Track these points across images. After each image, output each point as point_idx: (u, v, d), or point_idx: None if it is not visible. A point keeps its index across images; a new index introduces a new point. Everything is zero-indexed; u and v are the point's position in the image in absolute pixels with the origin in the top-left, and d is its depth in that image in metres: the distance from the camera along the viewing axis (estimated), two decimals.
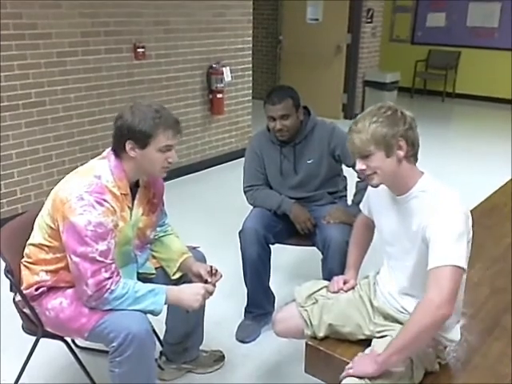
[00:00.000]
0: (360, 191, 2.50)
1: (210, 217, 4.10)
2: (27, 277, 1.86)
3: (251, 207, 2.69)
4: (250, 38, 5.41)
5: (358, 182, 2.57)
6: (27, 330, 1.98)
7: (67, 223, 1.68)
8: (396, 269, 1.78)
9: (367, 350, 1.69)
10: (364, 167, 1.62)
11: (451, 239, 1.51)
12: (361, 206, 2.00)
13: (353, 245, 2.05)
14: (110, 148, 1.85)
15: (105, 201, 1.72)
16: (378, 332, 1.76)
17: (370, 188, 1.86)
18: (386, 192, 1.72)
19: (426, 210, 1.57)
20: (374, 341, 1.75)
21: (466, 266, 1.52)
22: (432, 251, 1.53)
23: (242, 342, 2.62)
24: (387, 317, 1.78)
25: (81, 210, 1.67)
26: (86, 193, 1.69)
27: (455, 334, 1.75)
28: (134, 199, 1.88)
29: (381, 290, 1.84)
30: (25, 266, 1.88)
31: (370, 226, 1.95)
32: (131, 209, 1.86)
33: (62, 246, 1.75)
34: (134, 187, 1.89)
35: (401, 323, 1.70)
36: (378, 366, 1.53)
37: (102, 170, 1.79)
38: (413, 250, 1.64)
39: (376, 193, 1.80)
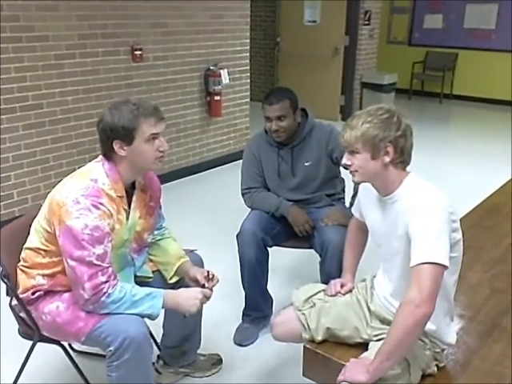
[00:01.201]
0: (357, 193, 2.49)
1: (208, 219, 4.09)
2: (23, 281, 1.85)
3: (249, 209, 2.69)
4: (248, 40, 5.41)
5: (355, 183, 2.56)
6: (23, 334, 1.97)
7: (63, 227, 1.67)
8: (388, 270, 1.78)
9: (364, 354, 1.68)
10: (349, 163, 1.65)
11: (430, 236, 1.50)
12: (352, 209, 2.01)
13: (348, 248, 2.06)
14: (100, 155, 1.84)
15: (101, 204, 1.71)
16: (376, 336, 1.76)
17: (359, 191, 1.89)
18: (373, 193, 1.73)
19: (408, 211, 1.57)
20: (372, 344, 1.74)
21: (446, 263, 1.50)
22: (412, 249, 1.53)
23: (240, 345, 2.61)
24: (384, 320, 1.77)
25: (77, 213, 1.66)
26: (82, 196, 1.68)
27: (451, 336, 1.74)
28: (130, 202, 1.87)
29: (377, 293, 1.84)
30: (21, 269, 1.86)
31: (363, 229, 1.94)
32: (127, 211, 1.85)
33: (59, 250, 1.74)
34: (130, 190, 1.88)
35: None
36: (370, 376, 1.51)
37: (98, 173, 1.78)
38: (400, 251, 1.64)
39: (365, 195, 1.81)
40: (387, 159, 1.59)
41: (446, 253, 1.50)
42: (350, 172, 1.68)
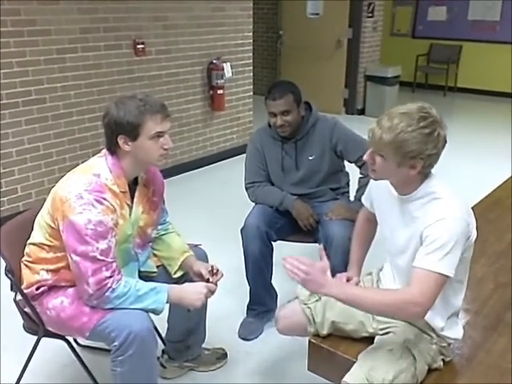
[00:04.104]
0: (362, 187, 2.48)
1: (212, 213, 4.09)
2: (28, 276, 1.85)
3: (253, 204, 2.68)
4: (251, 34, 5.38)
5: (360, 177, 2.55)
6: (28, 329, 1.97)
7: (67, 222, 1.67)
8: (396, 266, 1.77)
9: (369, 348, 1.68)
10: (371, 161, 1.57)
11: (447, 248, 1.48)
12: (363, 199, 1.98)
13: (355, 241, 2.03)
14: (104, 148, 1.83)
15: (104, 199, 1.70)
16: (381, 329, 1.75)
17: (371, 182, 1.84)
18: (388, 188, 1.69)
19: (427, 213, 1.54)
20: (377, 338, 1.74)
21: (452, 275, 1.50)
22: (424, 251, 1.51)
23: (245, 339, 2.61)
24: None
25: (80, 208, 1.66)
26: (85, 191, 1.68)
27: (458, 332, 1.74)
28: (133, 197, 1.87)
29: (383, 286, 1.83)
30: (25, 265, 1.87)
31: (372, 221, 1.93)
32: (130, 206, 1.85)
33: (63, 245, 1.73)
34: (133, 185, 1.88)
35: (404, 320, 1.68)
36: (326, 291, 1.54)
37: (101, 168, 1.77)
38: (408, 249, 1.63)
39: (378, 187, 1.77)
40: (412, 172, 1.53)
41: (455, 265, 1.51)
42: (370, 168, 1.61)
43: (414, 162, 1.50)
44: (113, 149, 1.79)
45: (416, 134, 1.46)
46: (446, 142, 1.53)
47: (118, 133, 1.74)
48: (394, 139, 1.47)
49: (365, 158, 1.61)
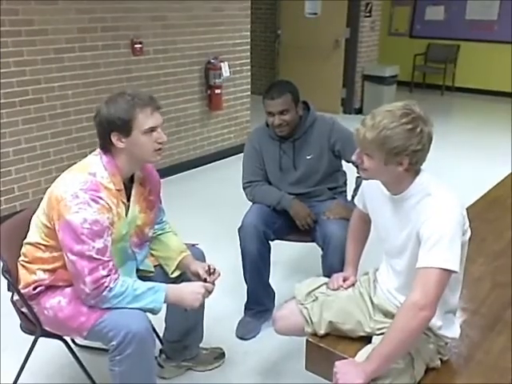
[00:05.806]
0: (360, 186, 2.48)
1: (210, 213, 4.08)
2: (25, 276, 1.84)
3: (250, 203, 2.68)
4: (248, 33, 5.38)
5: (357, 177, 2.55)
6: (26, 329, 1.97)
7: (63, 222, 1.67)
8: (393, 265, 1.77)
9: (367, 347, 1.68)
10: (359, 161, 1.60)
11: (444, 242, 1.48)
12: (355, 200, 1.99)
13: (350, 240, 2.04)
14: (98, 148, 1.83)
15: (100, 198, 1.70)
16: (379, 329, 1.75)
17: (363, 183, 1.85)
18: (380, 188, 1.70)
19: (421, 211, 1.54)
20: (375, 338, 1.74)
21: (457, 268, 1.49)
22: (423, 251, 1.51)
23: (242, 338, 2.61)
24: (387, 314, 1.76)
25: (76, 207, 1.65)
26: (81, 190, 1.67)
27: (455, 331, 1.74)
28: (129, 196, 1.86)
29: (380, 287, 1.83)
30: (22, 265, 1.86)
31: (366, 220, 1.93)
32: (126, 205, 1.84)
33: (59, 245, 1.73)
34: (129, 183, 1.87)
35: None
36: (367, 377, 1.48)
37: (97, 166, 1.77)
38: (406, 249, 1.63)
39: (370, 188, 1.78)
40: (400, 169, 1.53)
41: (458, 258, 1.50)
42: (359, 167, 1.63)
43: (400, 158, 1.51)
44: (107, 147, 1.79)
45: (399, 130, 1.48)
46: (431, 138, 1.54)
47: (110, 130, 1.74)
48: (376, 136, 1.49)
49: (353, 158, 1.62)
